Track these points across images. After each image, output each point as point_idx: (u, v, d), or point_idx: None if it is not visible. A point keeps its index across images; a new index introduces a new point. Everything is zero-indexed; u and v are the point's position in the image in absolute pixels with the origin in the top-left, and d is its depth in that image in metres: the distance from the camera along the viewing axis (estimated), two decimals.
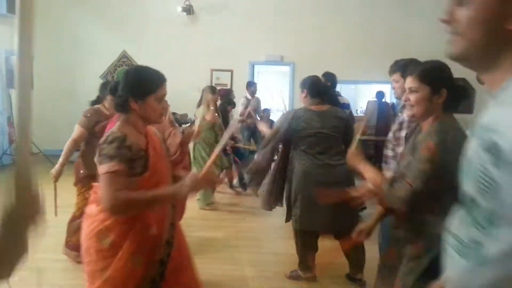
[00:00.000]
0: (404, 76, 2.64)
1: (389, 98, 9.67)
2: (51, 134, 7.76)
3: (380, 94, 9.06)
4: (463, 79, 8.74)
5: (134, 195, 1.80)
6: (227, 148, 6.02)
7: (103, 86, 3.86)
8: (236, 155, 6.52)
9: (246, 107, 7.97)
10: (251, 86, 8.24)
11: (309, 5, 9.13)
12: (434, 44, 8.75)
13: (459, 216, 1.00)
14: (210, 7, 9.21)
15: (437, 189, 1.71)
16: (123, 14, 9.23)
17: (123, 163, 1.79)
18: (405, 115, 2.50)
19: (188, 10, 9.02)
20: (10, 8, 7.94)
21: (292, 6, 9.13)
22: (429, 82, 1.79)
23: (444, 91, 1.78)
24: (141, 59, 9.24)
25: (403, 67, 2.71)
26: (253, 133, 8.18)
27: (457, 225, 1.00)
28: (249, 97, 8.13)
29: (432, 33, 8.97)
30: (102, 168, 1.79)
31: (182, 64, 8.95)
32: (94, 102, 3.82)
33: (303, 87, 3.43)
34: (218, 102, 6.21)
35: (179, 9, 8.96)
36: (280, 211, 5.78)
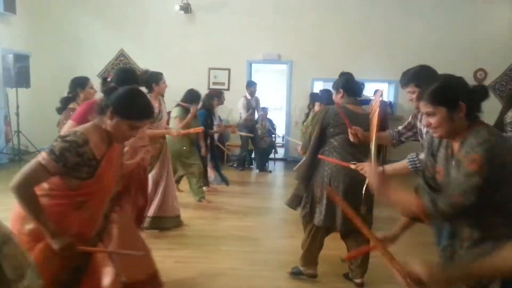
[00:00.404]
0: (419, 86, 2.50)
1: (387, 96, 9.68)
2: (50, 133, 7.70)
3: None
4: (460, 78, 8.66)
5: (35, 202, 1.83)
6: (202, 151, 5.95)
7: (73, 84, 3.81)
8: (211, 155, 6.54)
9: (246, 108, 7.96)
10: (251, 86, 8.23)
11: (307, 3, 9.12)
12: (434, 42, 8.84)
13: None
14: (208, 6, 9.20)
15: (495, 201, 1.61)
16: (122, 13, 9.22)
17: (59, 164, 1.83)
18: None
19: (186, 8, 9.01)
20: (7, 7, 7.89)
21: (290, 5, 9.12)
22: (442, 102, 1.70)
23: (462, 104, 1.67)
24: (139, 58, 9.25)
25: (414, 76, 2.61)
26: (251, 133, 8.14)
27: None
28: (248, 96, 8.12)
29: (431, 31, 9.05)
30: (40, 155, 1.85)
31: (180, 63, 8.95)
32: (66, 100, 3.76)
33: (338, 87, 3.34)
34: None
35: (177, 7, 8.94)
36: (276, 211, 5.80)
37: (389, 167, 2.61)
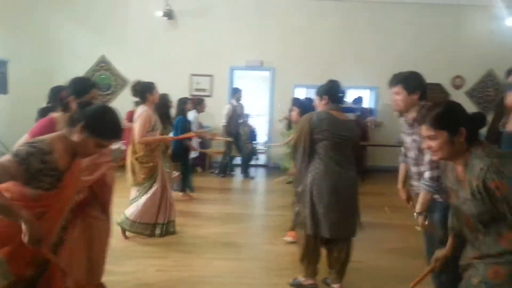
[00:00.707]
0: (407, 89, 2.65)
1: (368, 103, 9.80)
2: None
3: (359, 99, 9.17)
4: (438, 85, 8.87)
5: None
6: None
7: (52, 93, 3.64)
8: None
9: (230, 115, 7.94)
10: (236, 92, 8.27)
11: (290, 11, 9.19)
12: (414, 50, 9.00)
13: None
14: (191, 12, 9.19)
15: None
16: (104, 18, 9.15)
17: (22, 167, 1.84)
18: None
19: (169, 14, 8.97)
20: None
21: (273, 12, 9.19)
22: (444, 126, 1.78)
23: (462, 130, 1.75)
24: (122, 64, 9.17)
25: (404, 79, 2.69)
26: (236, 139, 8.13)
27: None
28: (235, 103, 8.12)
29: (412, 39, 9.21)
30: (4, 156, 1.87)
31: (162, 69, 8.89)
32: (44, 110, 3.62)
33: (322, 94, 3.35)
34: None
35: (160, 13, 8.90)
36: (258, 217, 5.80)
37: (420, 208, 2.58)
